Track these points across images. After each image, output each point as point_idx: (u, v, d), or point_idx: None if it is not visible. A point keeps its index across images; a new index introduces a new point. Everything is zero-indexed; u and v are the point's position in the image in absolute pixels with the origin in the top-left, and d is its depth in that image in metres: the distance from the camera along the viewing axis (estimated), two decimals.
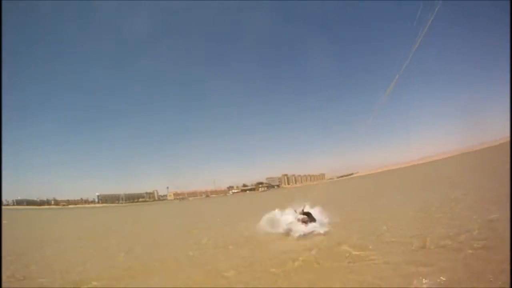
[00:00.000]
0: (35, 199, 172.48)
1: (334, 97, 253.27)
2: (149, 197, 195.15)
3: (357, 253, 11.65)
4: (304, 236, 15.78)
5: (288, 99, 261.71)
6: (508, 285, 7.27)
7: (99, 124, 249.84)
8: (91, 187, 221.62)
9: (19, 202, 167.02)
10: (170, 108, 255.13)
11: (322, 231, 15.86)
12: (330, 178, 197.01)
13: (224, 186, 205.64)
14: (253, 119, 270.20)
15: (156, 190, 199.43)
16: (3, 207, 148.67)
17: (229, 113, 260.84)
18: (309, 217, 17.09)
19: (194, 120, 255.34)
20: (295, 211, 18.59)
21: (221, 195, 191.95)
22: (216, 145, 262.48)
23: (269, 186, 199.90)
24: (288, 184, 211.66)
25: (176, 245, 19.24)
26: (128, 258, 16.18)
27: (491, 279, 7.70)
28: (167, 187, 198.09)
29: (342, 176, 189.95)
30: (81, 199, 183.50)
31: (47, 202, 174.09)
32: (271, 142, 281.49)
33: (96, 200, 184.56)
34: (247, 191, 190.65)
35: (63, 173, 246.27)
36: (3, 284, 7.53)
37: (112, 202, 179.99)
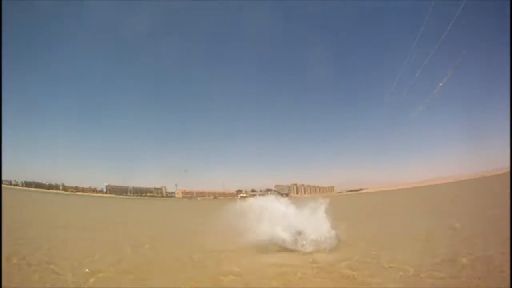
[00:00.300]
0: (44, 182, 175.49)
1: (349, 110, 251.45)
2: (157, 193, 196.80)
3: (355, 273, 12.27)
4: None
5: (300, 108, 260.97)
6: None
7: (113, 116, 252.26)
8: (100, 176, 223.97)
9: (28, 184, 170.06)
10: (185, 108, 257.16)
11: (327, 246, 16.42)
12: (339, 192, 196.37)
13: (232, 190, 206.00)
14: (265, 125, 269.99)
15: (165, 186, 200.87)
16: (12, 186, 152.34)
17: (242, 117, 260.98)
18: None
19: (207, 121, 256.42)
20: None
21: (229, 197, 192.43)
22: (227, 148, 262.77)
23: (278, 194, 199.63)
24: (297, 193, 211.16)
25: (182, 245, 20.00)
26: (136, 253, 17.03)
27: None
28: (176, 185, 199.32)
29: (351, 191, 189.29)
30: (90, 187, 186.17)
31: (56, 187, 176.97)
32: (282, 150, 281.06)
33: (104, 190, 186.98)
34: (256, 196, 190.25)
35: (73, 160, 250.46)
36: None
37: (120, 194, 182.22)
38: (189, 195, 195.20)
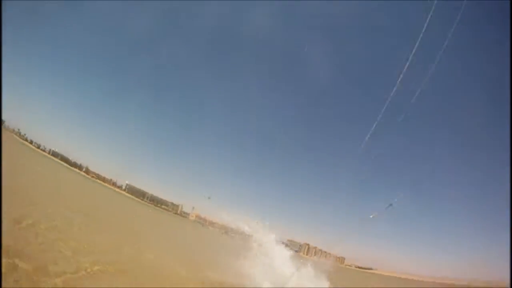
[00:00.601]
0: (70, 158, 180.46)
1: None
2: (172, 208, 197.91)
3: None
4: None
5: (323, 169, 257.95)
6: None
7: (164, 122, 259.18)
8: (123, 172, 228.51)
9: (54, 154, 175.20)
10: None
11: None
12: (349, 265, 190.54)
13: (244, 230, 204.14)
14: (291, 175, 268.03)
15: (182, 205, 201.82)
16: (39, 150, 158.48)
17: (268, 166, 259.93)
18: None
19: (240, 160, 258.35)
20: None
21: (240, 235, 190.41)
22: (250, 189, 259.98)
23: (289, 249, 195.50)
24: (307, 254, 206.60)
25: (182, 267, 20.26)
26: (135, 259, 17.53)
27: None
28: (193, 207, 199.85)
29: (360, 267, 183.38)
30: (111, 179, 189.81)
31: (79, 167, 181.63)
32: (303, 206, 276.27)
33: (123, 187, 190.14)
34: None
35: (105, 147, 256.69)
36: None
37: (137, 196, 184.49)
38: (202, 221, 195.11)
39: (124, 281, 12.45)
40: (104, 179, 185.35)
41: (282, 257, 21.31)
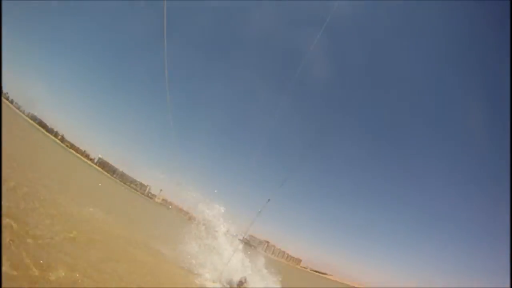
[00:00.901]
0: (48, 124, 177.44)
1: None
2: (140, 188, 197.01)
3: None
4: None
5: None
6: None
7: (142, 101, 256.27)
8: (97, 145, 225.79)
9: (32, 118, 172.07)
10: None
11: None
12: (305, 267, 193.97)
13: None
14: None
15: (150, 187, 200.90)
16: (19, 111, 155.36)
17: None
18: None
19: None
20: None
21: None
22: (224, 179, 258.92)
23: (247, 244, 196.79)
24: (265, 251, 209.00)
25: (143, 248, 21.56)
26: (107, 233, 18.67)
27: None
28: (161, 190, 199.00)
29: (316, 271, 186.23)
30: (84, 151, 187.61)
31: (55, 134, 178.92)
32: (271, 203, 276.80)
33: (95, 160, 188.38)
34: None
35: (85, 118, 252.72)
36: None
37: (107, 172, 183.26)
38: (168, 205, 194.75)
39: (97, 250, 13.72)
40: (77, 150, 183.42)
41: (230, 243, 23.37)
